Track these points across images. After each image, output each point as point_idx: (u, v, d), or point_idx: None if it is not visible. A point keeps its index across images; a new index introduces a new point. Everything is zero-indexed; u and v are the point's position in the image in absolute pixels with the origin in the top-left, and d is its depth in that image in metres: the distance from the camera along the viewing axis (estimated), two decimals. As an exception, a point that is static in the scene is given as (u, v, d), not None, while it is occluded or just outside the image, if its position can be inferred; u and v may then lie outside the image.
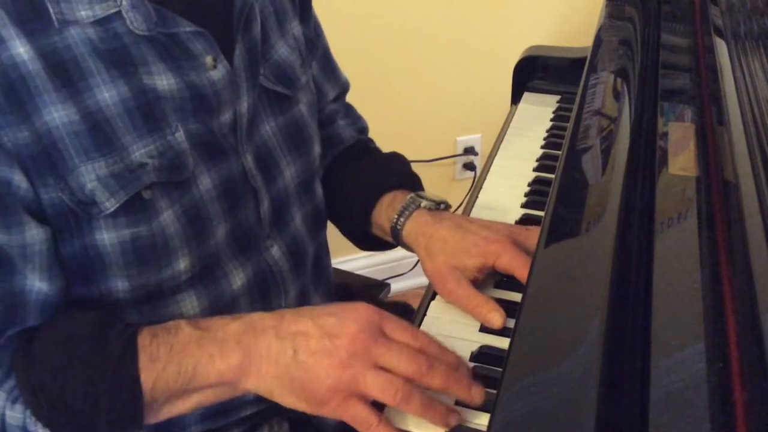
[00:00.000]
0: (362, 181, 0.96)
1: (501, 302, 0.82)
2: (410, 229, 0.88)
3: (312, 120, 0.90)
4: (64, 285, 0.71)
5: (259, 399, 0.85)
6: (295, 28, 0.90)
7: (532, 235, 0.82)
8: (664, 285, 0.60)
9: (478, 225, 0.85)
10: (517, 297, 0.73)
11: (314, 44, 0.97)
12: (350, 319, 0.68)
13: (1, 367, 0.69)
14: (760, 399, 0.49)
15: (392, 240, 0.93)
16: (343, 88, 1.04)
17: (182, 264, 0.75)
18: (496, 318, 0.78)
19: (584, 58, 1.10)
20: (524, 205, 1.01)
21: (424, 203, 0.89)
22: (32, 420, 0.68)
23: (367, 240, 0.98)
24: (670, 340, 0.55)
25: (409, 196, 0.90)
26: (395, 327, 0.69)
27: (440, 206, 0.90)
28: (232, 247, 0.81)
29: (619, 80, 1.00)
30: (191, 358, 0.68)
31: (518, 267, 0.80)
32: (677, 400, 0.50)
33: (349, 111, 1.07)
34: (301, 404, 0.68)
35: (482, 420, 0.67)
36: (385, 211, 0.93)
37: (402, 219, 0.89)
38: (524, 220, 0.97)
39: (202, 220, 0.76)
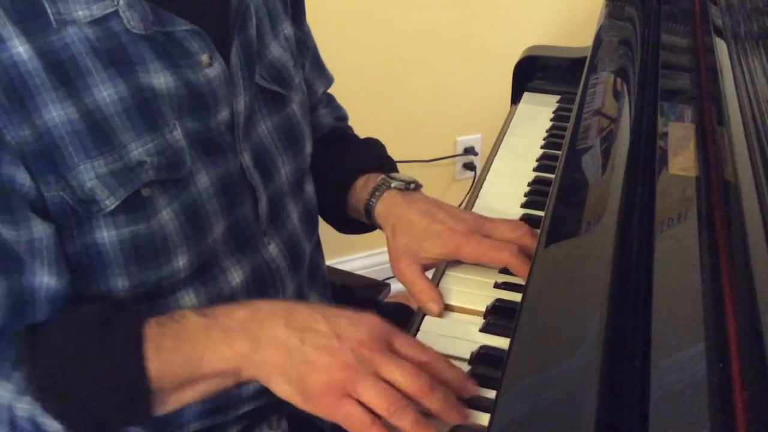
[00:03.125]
0: (338, 165, 1.00)
1: (501, 302, 0.82)
2: (381, 209, 0.92)
3: (304, 119, 0.92)
4: (70, 279, 0.72)
5: (257, 395, 0.86)
6: (287, 29, 0.91)
7: (498, 227, 0.86)
8: (664, 285, 0.60)
9: (445, 213, 0.88)
10: (517, 297, 0.73)
11: (305, 45, 0.98)
12: (361, 325, 0.68)
13: (8, 360, 0.69)
14: (760, 399, 0.49)
15: (367, 220, 0.96)
16: (329, 82, 1.07)
17: (181, 261, 0.76)
18: (433, 308, 0.82)
19: (584, 58, 1.10)
20: (524, 205, 1.01)
21: (394, 184, 0.93)
22: (41, 411, 0.68)
23: (345, 222, 1.02)
24: (670, 340, 0.55)
25: (380, 177, 0.94)
26: (403, 343, 0.70)
27: (410, 186, 0.93)
28: (230, 245, 0.82)
29: (619, 80, 1.00)
30: (198, 346, 0.69)
31: (482, 254, 0.84)
32: (677, 400, 0.50)
33: (330, 101, 1.10)
34: (295, 396, 0.68)
35: (482, 420, 0.68)
36: (359, 192, 0.96)
37: (374, 199, 0.93)
38: (524, 220, 0.97)
39: (200, 218, 0.77)
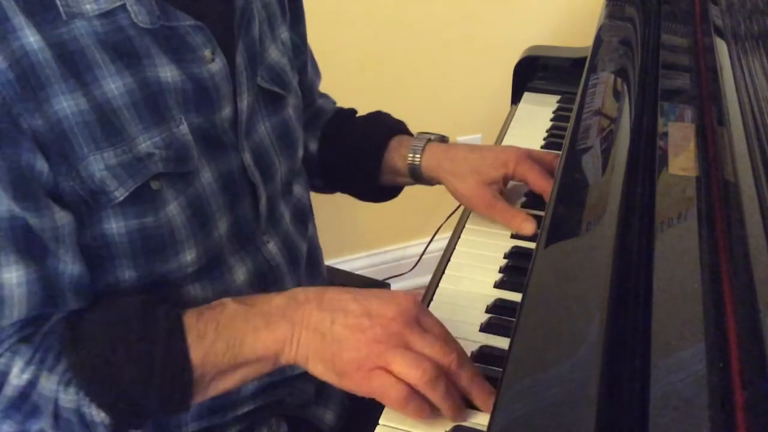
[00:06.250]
0: (363, 134, 1.04)
1: (501, 302, 0.82)
2: (429, 160, 0.99)
3: (298, 122, 0.93)
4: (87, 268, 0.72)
5: (255, 395, 0.86)
6: (283, 33, 0.93)
7: (543, 155, 0.98)
8: (664, 285, 0.60)
9: (490, 146, 1.00)
10: (517, 297, 0.73)
11: (300, 49, 1.00)
12: (392, 303, 0.70)
13: (50, 351, 0.70)
14: (760, 399, 0.49)
15: (408, 179, 1.03)
16: (320, 77, 1.11)
17: (189, 256, 0.77)
18: (528, 227, 0.92)
19: (584, 58, 1.10)
20: (524, 205, 1.01)
21: (432, 137, 1.01)
22: (86, 401, 0.69)
23: (376, 190, 1.07)
24: (670, 340, 0.55)
25: (416, 134, 1.02)
26: (432, 322, 0.71)
27: (445, 138, 1.03)
28: (234, 242, 0.83)
29: (619, 80, 1.00)
30: (238, 332, 0.70)
31: (534, 176, 0.94)
32: (677, 400, 0.50)
33: (322, 92, 1.14)
34: (329, 374, 0.70)
35: (482, 420, 0.68)
36: (396, 153, 1.02)
37: (418, 155, 1.00)
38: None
39: (205, 213, 0.78)
